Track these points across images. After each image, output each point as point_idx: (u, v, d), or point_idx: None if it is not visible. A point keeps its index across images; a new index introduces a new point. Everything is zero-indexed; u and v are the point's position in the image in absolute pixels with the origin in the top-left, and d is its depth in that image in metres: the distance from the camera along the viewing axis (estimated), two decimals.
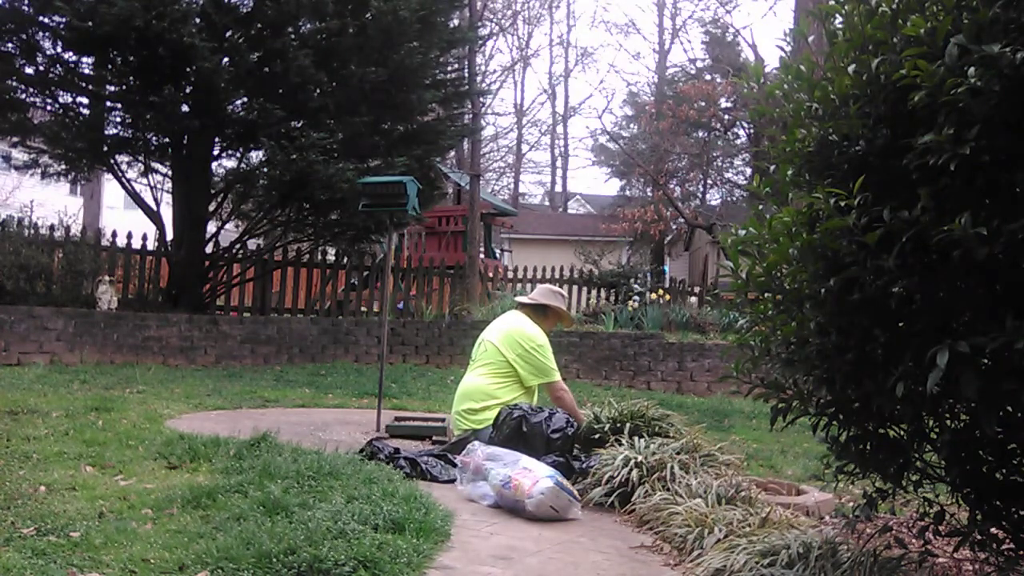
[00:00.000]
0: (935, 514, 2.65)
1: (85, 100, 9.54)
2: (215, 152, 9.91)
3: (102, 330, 8.21)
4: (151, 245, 9.76)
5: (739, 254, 2.70)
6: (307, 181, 8.50)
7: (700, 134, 21.33)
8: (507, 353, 4.76)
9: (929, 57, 2.12)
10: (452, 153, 19.02)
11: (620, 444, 4.03)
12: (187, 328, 8.73)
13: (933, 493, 2.79)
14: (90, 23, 7.78)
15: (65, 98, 9.43)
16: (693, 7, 48.56)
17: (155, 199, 9.85)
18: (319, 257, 10.97)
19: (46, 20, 8.64)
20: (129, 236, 9.67)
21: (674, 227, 23.43)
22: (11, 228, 9.01)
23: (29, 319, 7.82)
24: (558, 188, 35.67)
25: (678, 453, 3.88)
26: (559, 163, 35.51)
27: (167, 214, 9.76)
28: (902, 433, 2.62)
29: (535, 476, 3.54)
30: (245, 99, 9.14)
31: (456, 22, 11.75)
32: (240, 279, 10.39)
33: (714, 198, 23.50)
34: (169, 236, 9.70)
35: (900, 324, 2.38)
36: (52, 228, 9.19)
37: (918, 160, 2.18)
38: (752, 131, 19.14)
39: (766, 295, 2.74)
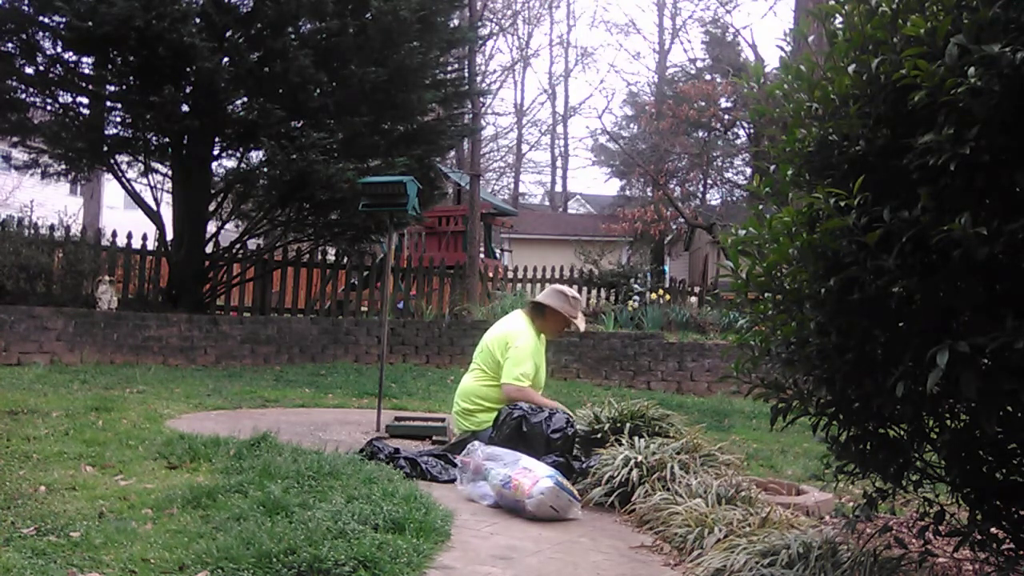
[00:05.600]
0: (935, 514, 2.65)
1: (85, 100, 9.54)
2: (215, 152, 9.91)
3: (102, 330, 8.21)
4: (151, 245, 9.76)
5: (739, 254, 2.70)
6: (307, 181, 8.50)
7: (700, 134, 21.33)
8: (498, 355, 4.71)
9: (929, 57, 2.12)
10: (452, 153, 19.02)
11: (620, 444, 4.03)
12: (187, 328, 8.73)
13: (933, 493, 2.79)
14: (90, 23, 7.77)
15: (65, 98, 9.43)
16: (693, 7, 48.61)
17: (155, 199, 9.85)
18: (319, 257, 10.97)
19: (46, 20, 8.64)
20: (129, 236, 9.67)
21: (674, 227, 23.40)
22: (11, 228, 9.01)
23: (29, 319, 7.82)
24: (558, 188, 35.69)
25: (678, 453, 3.89)
26: (559, 163, 35.57)
27: (167, 214, 9.76)
28: (902, 433, 2.62)
29: (535, 476, 3.55)
30: (245, 99, 9.14)
31: (456, 22, 11.75)
32: (240, 279, 10.39)
33: (714, 198, 23.51)
34: (169, 236, 9.70)
35: (900, 324, 2.38)
36: (52, 228, 9.19)
37: (918, 160, 2.18)
38: (752, 131, 19.13)
39: (766, 295, 2.74)
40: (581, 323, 4.87)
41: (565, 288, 4.92)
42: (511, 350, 4.66)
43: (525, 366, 4.61)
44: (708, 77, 22.52)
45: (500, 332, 4.82)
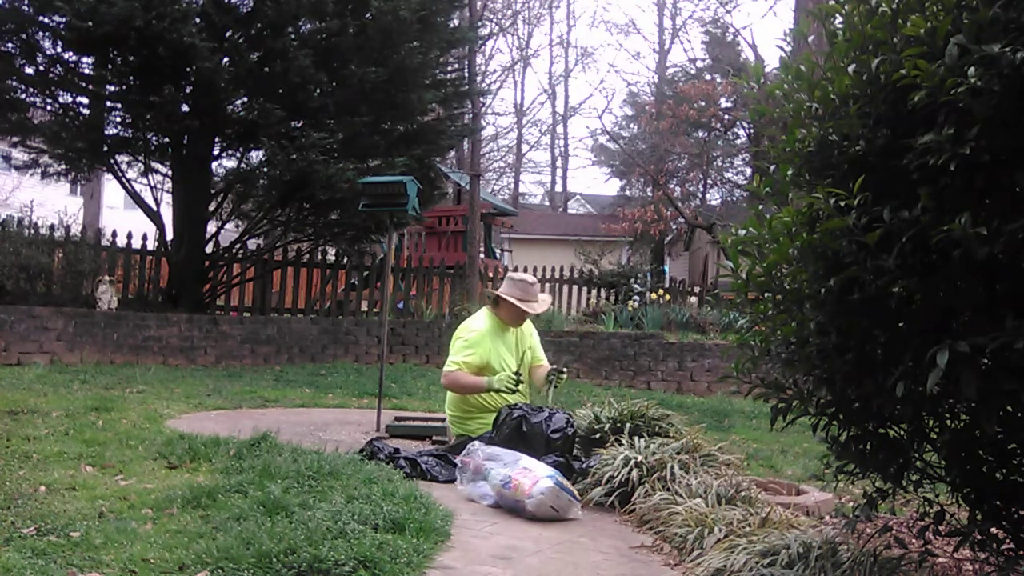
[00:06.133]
0: (935, 514, 2.65)
1: (85, 100, 9.54)
2: (215, 152, 9.91)
3: (102, 330, 8.21)
4: (151, 245, 9.76)
5: (739, 254, 2.70)
6: (307, 181, 8.50)
7: (700, 134, 21.33)
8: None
9: (929, 57, 2.12)
10: (452, 153, 19.01)
11: (620, 444, 4.03)
12: (187, 328, 8.73)
13: (933, 493, 2.79)
14: (90, 23, 7.78)
15: (65, 98, 9.43)
16: (693, 7, 48.65)
17: (155, 199, 9.85)
18: (319, 257, 10.97)
19: (46, 20, 8.64)
20: (129, 236, 9.67)
21: (674, 227, 23.42)
22: (11, 228, 9.01)
23: (29, 319, 7.82)
24: (558, 188, 35.70)
25: (678, 453, 3.88)
26: (559, 163, 35.58)
27: (167, 214, 9.76)
28: (902, 433, 2.62)
29: (535, 476, 3.54)
30: (245, 99, 9.14)
31: (456, 22, 11.75)
32: (240, 279, 10.39)
33: (714, 198, 23.52)
34: (169, 236, 9.70)
35: (900, 324, 2.38)
36: (52, 228, 9.19)
37: (918, 160, 2.18)
38: (752, 131, 19.13)
39: (766, 295, 2.74)
40: (538, 307, 4.83)
41: (516, 275, 4.95)
42: (455, 343, 4.75)
43: (460, 355, 4.67)
44: (708, 77, 22.52)
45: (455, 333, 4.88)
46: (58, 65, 9.09)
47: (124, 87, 9.10)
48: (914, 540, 2.90)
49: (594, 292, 12.47)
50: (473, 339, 4.71)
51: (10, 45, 8.72)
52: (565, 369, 4.75)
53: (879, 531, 2.83)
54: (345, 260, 11.32)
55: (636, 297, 11.30)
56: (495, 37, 26.17)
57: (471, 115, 12.47)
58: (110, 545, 2.69)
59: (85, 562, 2.54)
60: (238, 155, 10.14)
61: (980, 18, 2.08)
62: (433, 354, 9.94)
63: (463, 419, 4.73)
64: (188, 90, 8.93)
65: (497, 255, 17.06)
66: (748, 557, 2.76)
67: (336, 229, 10.24)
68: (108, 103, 9.39)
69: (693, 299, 12.23)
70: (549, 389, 4.63)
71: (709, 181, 22.95)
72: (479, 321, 4.84)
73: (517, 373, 4.59)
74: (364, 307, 11.12)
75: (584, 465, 4.04)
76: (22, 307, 7.91)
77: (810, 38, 2.77)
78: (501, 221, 17.32)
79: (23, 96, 9.04)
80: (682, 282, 13.63)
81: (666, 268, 21.28)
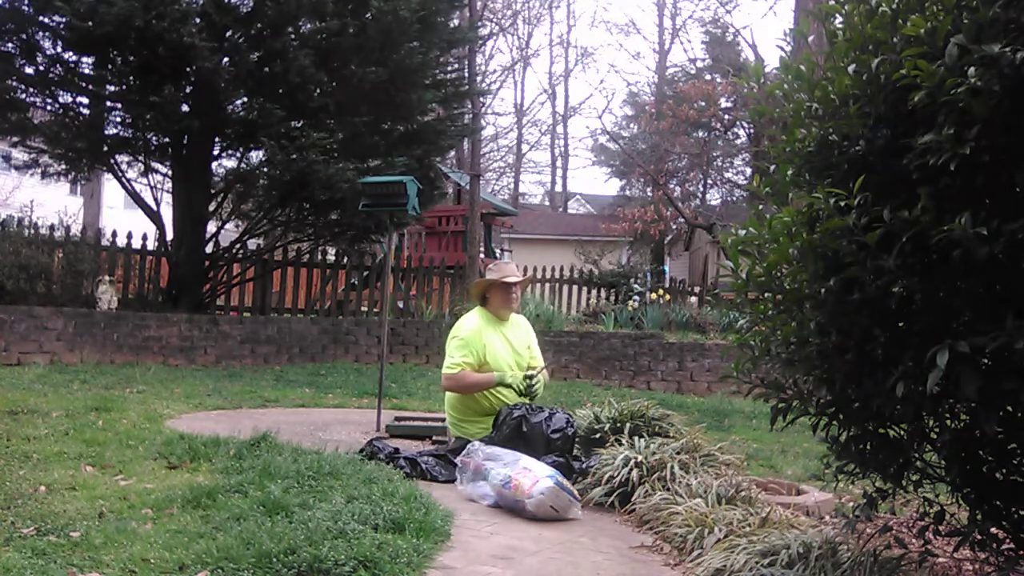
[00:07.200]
0: (935, 514, 2.65)
1: (85, 100, 9.55)
2: (215, 152, 9.92)
3: (102, 330, 8.21)
4: (151, 245, 9.76)
5: (739, 254, 2.70)
6: (307, 181, 8.51)
7: (700, 134, 21.30)
8: None
9: (929, 57, 2.12)
10: (452, 153, 19.00)
11: (620, 444, 4.03)
12: (187, 328, 8.73)
13: (933, 493, 2.79)
14: (90, 23, 7.78)
15: (65, 98, 9.44)
16: (693, 7, 48.72)
17: (155, 199, 9.86)
18: (319, 257, 10.98)
19: (46, 20, 8.65)
20: (129, 236, 9.67)
21: (674, 227, 23.41)
22: (11, 228, 9.01)
23: (29, 319, 7.82)
24: (558, 188, 35.67)
25: (678, 453, 3.89)
26: (559, 163, 35.54)
27: (167, 214, 9.77)
28: (902, 433, 2.62)
29: (535, 476, 3.55)
30: (245, 99, 9.15)
31: (456, 22, 11.75)
32: (240, 279, 10.40)
33: (714, 198, 23.48)
34: (169, 236, 9.71)
35: (900, 324, 2.38)
36: (52, 228, 9.19)
37: (918, 160, 2.18)
38: (752, 131, 19.11)
39: (766, 295, 2.74)
40: (513, 277, 4.82)
41: (497, 261, 4.93)
42: (450, 343, 4.72)
43: (454, 357, 4.63)
44: (708, 77, 22.49)
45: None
46: (58, 65, 9.09)
47: (124, 87, 9.11)
48: (914, 540, 2.90)
49: (594, 292, 12.47)
50: (468, 338, 4.67)
51: (10, 45, 8.72)
52: (536, 378, 4.57)
53: (879, 531, 2.83)
54: (345, 260, 11.32)
55: (636, 297, 11.31)
56: (495, 37, 26.16)
57: (471, 115, 12.46)
58: (110, 545, 2.69)
59: (85, 562, 2.55)
60: (238, 155, 10.14)
61: (980, 18, 2.08)
62: (433, 354, 9.93)
63: (461, 422, 4.71)
64: (188, 90, 8.93)
65: (497, 255, 17.03)
66: (748, 557, 2.76)
67: (336, 229, 10.25)
68: (108, 103, 9.39)
69: (693, 299, 12.24)
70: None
71: (709, 181, 22.92)
72: (471, 320, 4.82)
73: (528, 376, 4.54)
74: (364, 307, 11.12)
75: (584, 465, 4.04)
76: (22, 307, 7.91)
77: (810, 38, 2.78)
78: (501, 221, 17.31)
79: (23, 96, 9.04)
80: (682, 282, 13.64)
81: (666, 268, 21.28)
